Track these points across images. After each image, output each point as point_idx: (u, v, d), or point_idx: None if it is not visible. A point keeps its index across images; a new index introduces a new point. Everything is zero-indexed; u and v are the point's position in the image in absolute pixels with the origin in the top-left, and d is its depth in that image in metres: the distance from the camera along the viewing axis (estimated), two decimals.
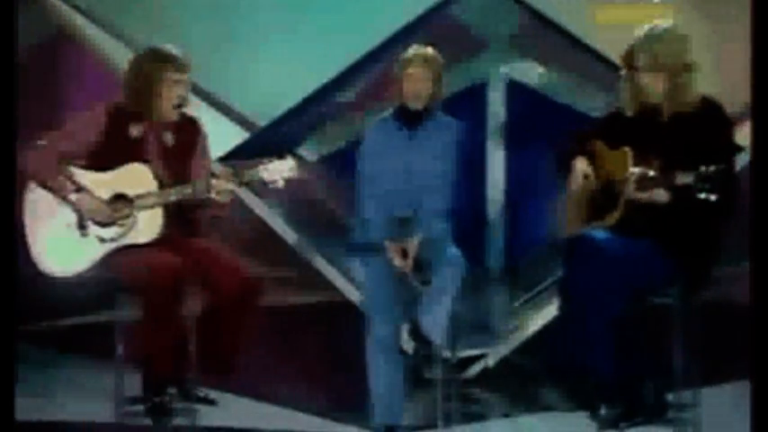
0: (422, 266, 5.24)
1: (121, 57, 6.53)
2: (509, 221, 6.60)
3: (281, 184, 4.91)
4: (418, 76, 5.27)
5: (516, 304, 6.58)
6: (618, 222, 4.68)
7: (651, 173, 4.54)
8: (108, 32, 6.72)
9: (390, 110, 5.40)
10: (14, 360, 4.43)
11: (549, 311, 6.15)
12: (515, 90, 6.59)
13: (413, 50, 5.34)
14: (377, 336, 5.19)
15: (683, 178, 4.37)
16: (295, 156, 6.36)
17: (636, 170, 4.58)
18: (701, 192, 4.30)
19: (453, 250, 5.25)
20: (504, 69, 6.60)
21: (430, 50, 5.35)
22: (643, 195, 4.55)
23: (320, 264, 6.40)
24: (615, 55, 4.85)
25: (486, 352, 6.17)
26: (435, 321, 5.14)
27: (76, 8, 6.69)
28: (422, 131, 5.33)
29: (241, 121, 6.63)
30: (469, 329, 5.89)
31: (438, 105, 5.38)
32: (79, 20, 6.70)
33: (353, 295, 6.31)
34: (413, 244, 5.22)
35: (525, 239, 6.66)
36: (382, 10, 6.51)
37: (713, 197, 4.29)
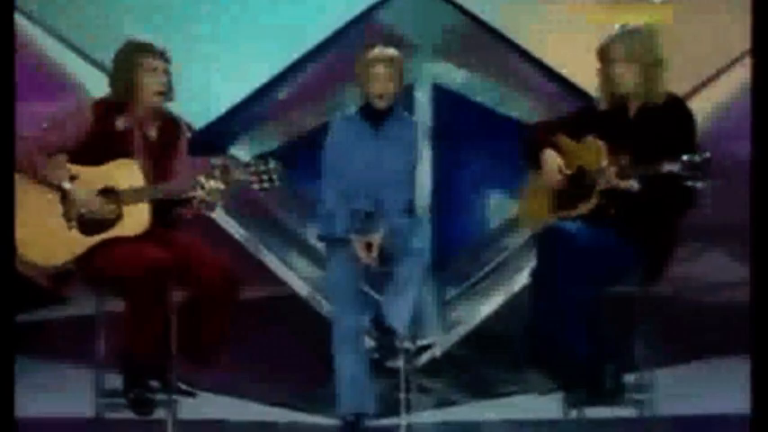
0: (386, 260, 5.38)
1: (63, 60, 6.55)
2: (436, 218, 6.80)
3: (267, 185, 4.91)
4: (383, 76, 5.39)
5: (447, 297, 6.79)
6: (589, 212, 4.90)
7: (626, 161, 4.76)
8: (52, 36, 6.69)
9: (354, 108, 5.52)
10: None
11: (490, 304, 6.42)
12: (440, 93, 6.82)
13: (377, 51, 5.43)
14: (342, 327, 5.31)
15: (670, 166, 4.54)
16: (229, 156, 6.45)
17: (606, 162, 4.80)
18: (688, 179, 4.50)
19: (416, 242, 5.39)
20: (429, 72, 6.82)
21: (393, 50, 5.47)
22: (623, 184, 4.77)
23: (266, 258, 6.50)
24: None
25: (434, 342, 6.37)
26: (400, 312, 5.29)
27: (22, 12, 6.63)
28: (386, 129, 5.45)
29: None
30: None
31: (399, 103, 5.54)
32: (26, 25, 6.65)
33: (302, 289, 6.44)
34: (377, 238, 5.37)
35: (452, 236, 6.89)
36: (312, 15, 6.62)
37: (699, 184, 4.49)
